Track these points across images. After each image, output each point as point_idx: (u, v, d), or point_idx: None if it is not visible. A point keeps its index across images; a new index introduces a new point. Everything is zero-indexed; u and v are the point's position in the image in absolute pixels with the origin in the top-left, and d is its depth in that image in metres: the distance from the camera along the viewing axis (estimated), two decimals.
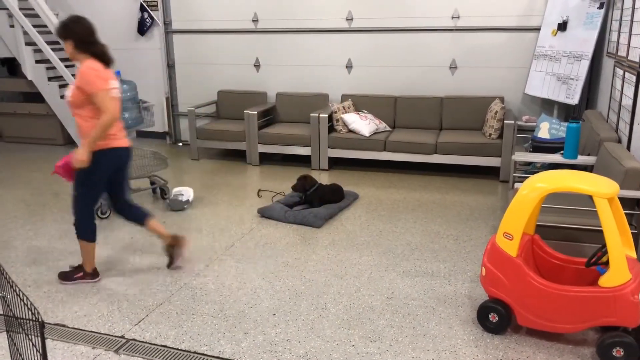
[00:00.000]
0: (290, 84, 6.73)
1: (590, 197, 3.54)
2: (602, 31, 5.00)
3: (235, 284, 3.43)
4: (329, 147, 5.90)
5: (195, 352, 2.72)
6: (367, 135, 5.76)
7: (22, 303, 1.86)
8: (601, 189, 2.50)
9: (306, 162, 6.21)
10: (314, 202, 4.63)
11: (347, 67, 6.45)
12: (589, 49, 4.98)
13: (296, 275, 3.53)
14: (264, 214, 4.56)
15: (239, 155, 6.61)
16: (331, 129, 5.99)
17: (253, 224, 4.42)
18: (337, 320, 2.99)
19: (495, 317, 2.81)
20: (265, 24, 6.62)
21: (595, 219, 3.21)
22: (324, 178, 5.69)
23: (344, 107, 6.02)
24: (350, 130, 5.90)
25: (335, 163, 6.26)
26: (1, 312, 3.09)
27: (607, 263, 2.65)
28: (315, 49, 6.51)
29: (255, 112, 6.07)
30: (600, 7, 4.91)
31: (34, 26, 6.70)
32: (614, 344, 2.54)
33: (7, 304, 2.06)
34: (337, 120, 5.92)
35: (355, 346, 2.76)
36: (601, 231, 3.11)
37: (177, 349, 2.75)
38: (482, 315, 2.85)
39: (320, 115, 5.83)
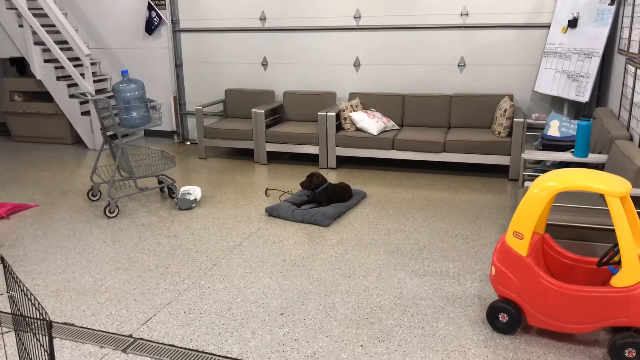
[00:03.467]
0: (298, 82, 6.71)
1: (602, 196, 3.50)
2: (613, 28, 4.94)
3: (243, 283, 3.42)
4: (336, 146, 5.88)
5: (202, 352, 2.72)
6: (375, 133, 5.73)
7: (30, 302, 1.85)
8: (613, 187, 2.46)
9: (314, 161, 6.20)
10: (322, 201, 4.62)
11: (354, 65, 6.43)
12: (599, 46, 4.93)
13: (304, 275, 3.51)
14: (272, 212, 4.55)
15: (246, 154, 6.60)
16: (339, 127, 5.97)
17: (261, 223, 4.41)
18: (345, 320, 2.98)
19: (505, 317, 2.78)
20: (272, 22, 6.61)
21: (607, 218, 3.17)
22: (331, 177, 5.67)
23: (351, 106, 5.99)
24: (358, 129, 5.88)
25: (343, 162, 6.24)
26: (9, 311, 3.10)
27: (619, 263, 2.62)
28: (322, 47, 6.49)
29: (263, 111, 6.06)
30: (612, 3, 4.85)
31: (43, 26, 6.74)
32: (626, 345, 2.51)
33: (15, 303, 2.06)
34: (345, 119, 5.90)
35: (364, 346, 2.74)
36: (613, 230, 3.07)
37: (185, 349, 2.75)
38: (492, 315, 2.82)
39: (328, 113, 5.81)
